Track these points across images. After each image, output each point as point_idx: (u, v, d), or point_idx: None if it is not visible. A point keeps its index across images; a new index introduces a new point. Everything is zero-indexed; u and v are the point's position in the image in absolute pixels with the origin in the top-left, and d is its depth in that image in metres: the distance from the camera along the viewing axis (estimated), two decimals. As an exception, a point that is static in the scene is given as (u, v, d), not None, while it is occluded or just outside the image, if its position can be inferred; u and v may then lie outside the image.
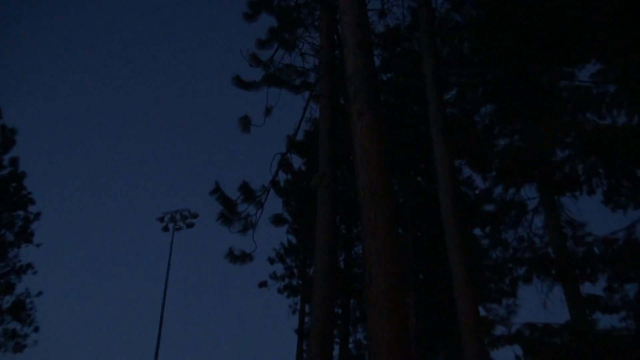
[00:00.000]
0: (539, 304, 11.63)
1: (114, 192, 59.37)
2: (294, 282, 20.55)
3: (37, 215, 18.78)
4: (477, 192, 16.89)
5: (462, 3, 11.92)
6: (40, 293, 18.39)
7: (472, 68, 12.28)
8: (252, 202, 10.29)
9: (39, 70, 63.17)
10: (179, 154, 66.06)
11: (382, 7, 12.35)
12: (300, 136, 14.14)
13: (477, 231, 14.27)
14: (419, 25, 11.12)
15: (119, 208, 56.89)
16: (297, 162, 20.21)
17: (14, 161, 18.57)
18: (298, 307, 19.52)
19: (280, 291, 20.38)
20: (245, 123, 10.71)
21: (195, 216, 24.73)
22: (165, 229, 24.46)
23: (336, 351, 16.48)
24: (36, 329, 18.01)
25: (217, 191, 10.25)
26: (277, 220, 17.46)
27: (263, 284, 20.19)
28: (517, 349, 11.02)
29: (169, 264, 23.12)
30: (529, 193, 12.31)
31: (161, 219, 24.73)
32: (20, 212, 18.58)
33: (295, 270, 20.66)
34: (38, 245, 18.54)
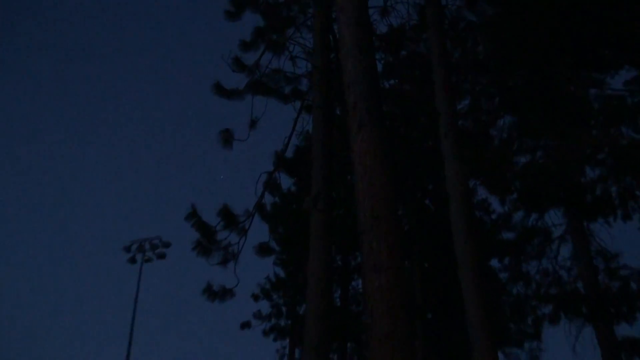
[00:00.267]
0: (568, 348, 11.60)
1: (77, 217, 59.17)
2: (282, 323, 20.41)
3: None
4: (494, 217, 16.95)
5: (476, 0, 12.03)
6: None
7: (488, 74, 12.36)
8: (234, 229, 10.26)
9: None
10: (151, 174, 66.06)
11: (385, 5, 12.41)
12: (290, 152, 14.21)
13: (494, 263, 14.28)
14: (426, 26, 11.18)
15: (83, 234, 56.65)
16: (286, 182, 20.28)
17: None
18: (287, 351, 19.40)
19: (265, 333, 20.19)
20: (227, 137, 10.69)
21: (167, 245, 24.64)
22: (133, 260, 24.31)
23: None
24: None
25: (194, 216, 10.21)
26: (263, 250, 17.20)
27: (246, 325, 19.93)
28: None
29: (135, 304, 22.93)
30: (555, 219, 12.38)
31: (128, 249, 24.61)
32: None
33: (283, 309, 20.53)
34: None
